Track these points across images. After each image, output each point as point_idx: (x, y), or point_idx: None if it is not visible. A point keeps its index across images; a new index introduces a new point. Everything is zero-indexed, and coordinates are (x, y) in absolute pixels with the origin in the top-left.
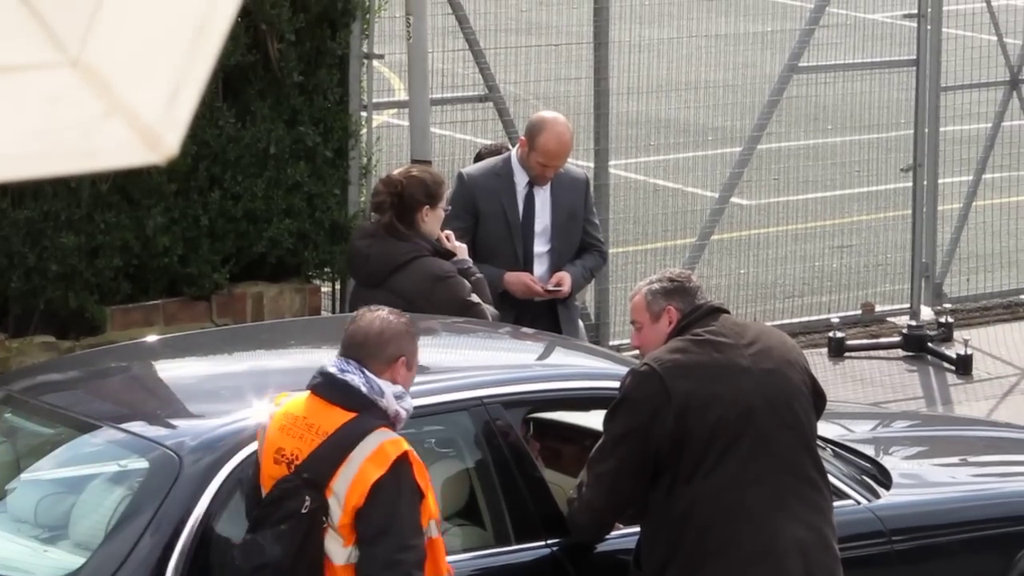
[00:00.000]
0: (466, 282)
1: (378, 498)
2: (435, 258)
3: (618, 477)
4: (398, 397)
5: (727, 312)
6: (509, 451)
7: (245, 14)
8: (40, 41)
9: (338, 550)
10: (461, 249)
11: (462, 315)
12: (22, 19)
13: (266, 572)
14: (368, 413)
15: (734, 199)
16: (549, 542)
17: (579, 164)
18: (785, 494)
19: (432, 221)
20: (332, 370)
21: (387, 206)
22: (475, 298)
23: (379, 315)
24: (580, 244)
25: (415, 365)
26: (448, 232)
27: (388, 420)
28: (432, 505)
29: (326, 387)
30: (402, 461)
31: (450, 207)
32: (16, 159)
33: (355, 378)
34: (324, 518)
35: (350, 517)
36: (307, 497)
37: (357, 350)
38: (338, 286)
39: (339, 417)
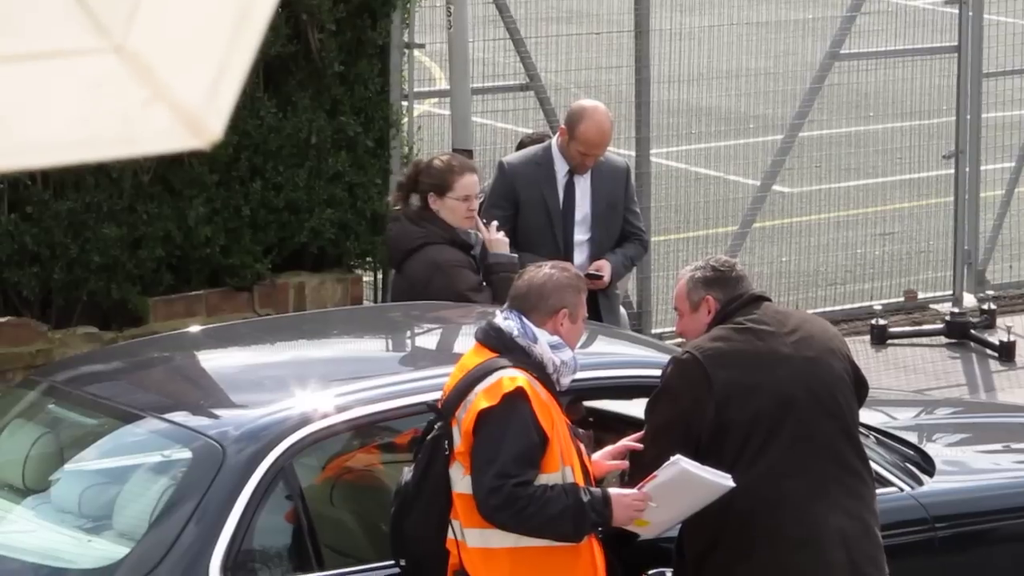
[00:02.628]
0: (470, 276)
1: (485, 428)
2: (446, 246)
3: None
4: (554, 347)
5: (769, 300)
6: None
7: (285, 4)
8: (84, 27)
9: (459, 478)
10: (502, 243)
11: None
12: (66, 5)
13: (398, 499)
14: (511, 355)
15: (776, 187)
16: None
17: (620, 153)
18: (827, 482)
19: (447, 211)
20: (496, 318)
21: (403, 188)
22: (475, 295)
23: (544, 270)
24: (621, 233)
25: (580, 318)
26: (495, 222)
27: (532, 365)
28: (564, 453)
29: (483, 331)
30: (515, 396)
31: (483, 195)
32: (61, 146)
33: (511, 324)
34: (447, 444)
35: (466, 444)
36: (434, 426)
37: (520, 302)
38: (379, 276)
39: (485, 357)
